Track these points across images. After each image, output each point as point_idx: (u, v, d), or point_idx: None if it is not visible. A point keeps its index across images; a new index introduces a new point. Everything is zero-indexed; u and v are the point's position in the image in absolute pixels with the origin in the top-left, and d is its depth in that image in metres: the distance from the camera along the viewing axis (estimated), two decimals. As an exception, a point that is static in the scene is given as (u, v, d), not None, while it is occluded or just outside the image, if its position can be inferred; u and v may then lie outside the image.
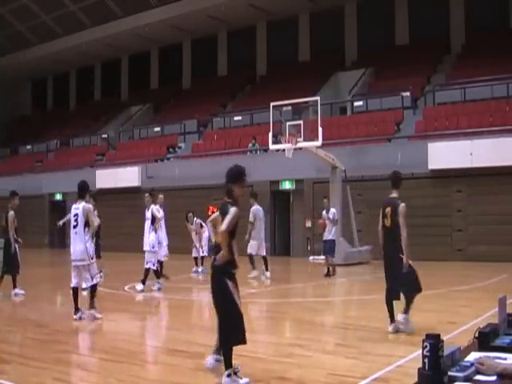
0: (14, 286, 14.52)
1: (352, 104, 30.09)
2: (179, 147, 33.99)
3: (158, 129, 36.31)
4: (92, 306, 11.19)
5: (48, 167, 38.85)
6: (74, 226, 11.02)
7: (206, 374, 7.22)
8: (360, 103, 29.58)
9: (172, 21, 37.18)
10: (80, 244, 10.98)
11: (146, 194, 15.96)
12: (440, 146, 23.16)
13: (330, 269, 18.51)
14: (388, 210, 9.27)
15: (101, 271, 17.66)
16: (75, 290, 11.16)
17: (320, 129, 20.22)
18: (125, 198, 30.94)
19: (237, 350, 7.71)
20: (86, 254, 10.98)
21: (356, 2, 34.83)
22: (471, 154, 22.16)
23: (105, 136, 38.00)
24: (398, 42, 33.62)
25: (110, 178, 31.78)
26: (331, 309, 13.35)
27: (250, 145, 29.08)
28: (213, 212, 28.18)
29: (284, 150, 21.33)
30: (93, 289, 11.22)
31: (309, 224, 26.09)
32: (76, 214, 11.01)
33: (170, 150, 33.87)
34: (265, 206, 27.56)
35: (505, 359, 3.21)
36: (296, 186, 27.36)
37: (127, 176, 31.45)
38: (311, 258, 24.35)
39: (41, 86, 51.03)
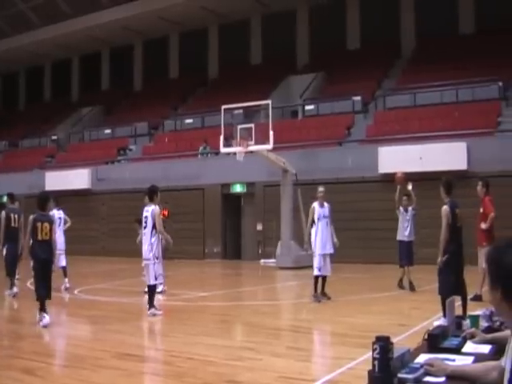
0: None
1: (303, 108, 30.23)
2: (130, 149, 33.68)
3: (108, 131, 35.91)
4: (151, 305, 11.77)
5: (-5, 169, 38.07)
6: (144, 228, 11.95)
7: (158, 378, 7.16)
8: (311, 107, 29.73)
9: (123, 22, 36.89)
10: (145, 244, 11.92)
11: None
12: (390, 151, 23.39)
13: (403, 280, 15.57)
14: None
15: None
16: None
17: (271, 132, 20.26)
18: (75, 200, 30.53)
19: (188, 353, 7.63)
20: (150, 253, 11.77)
21: (308, 6, 35.04)
22: (421, 159, 22.43)
23: (54, 138, 37.40)
24: (350, 47, 33.92)
25: (59, 180, 31.24)
26: (282, 312, 13.37)
27: (201, 148, 29.00)
28: (164, 215, 27.95)
29: (235, 153, 21.32)
30: (152, 288, 11.93)
31: (260, 227, 26.12)
32: (146, 217, 11.90)
33: (121, 152, 33.55)
34: (216, 209, 27.72)
35: (453, 360, 3.26)
36: (247, 189, 27.35)
37: (77, 178, 31.03)
38: (262, 261, 24.38)
39: (-12, 86, 50.09)
